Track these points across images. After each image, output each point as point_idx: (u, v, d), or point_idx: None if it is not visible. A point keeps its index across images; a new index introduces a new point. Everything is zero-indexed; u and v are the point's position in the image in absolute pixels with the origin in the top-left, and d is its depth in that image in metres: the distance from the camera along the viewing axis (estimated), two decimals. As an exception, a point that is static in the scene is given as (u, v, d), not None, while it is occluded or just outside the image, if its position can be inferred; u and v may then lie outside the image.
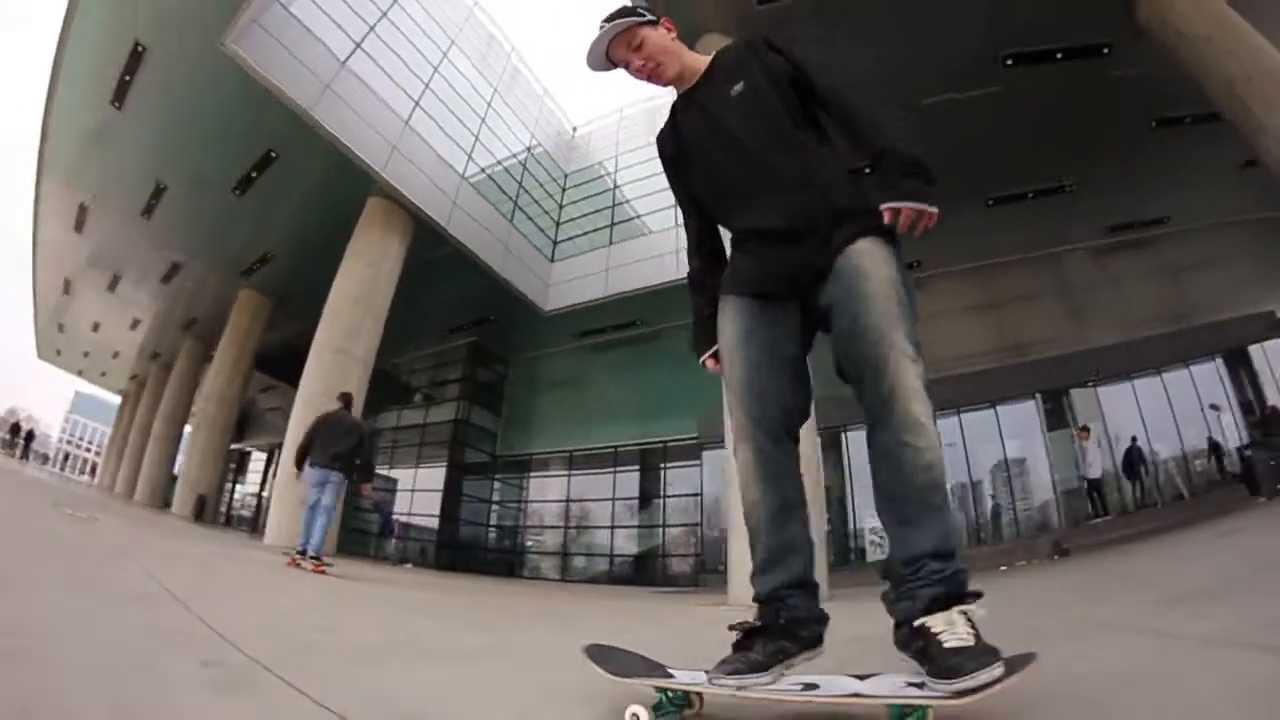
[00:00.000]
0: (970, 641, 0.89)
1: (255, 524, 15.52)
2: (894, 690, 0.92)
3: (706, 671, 1.10)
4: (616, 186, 14.29)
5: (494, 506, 14.85)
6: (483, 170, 12.40)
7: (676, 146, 1.42)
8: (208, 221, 12.26)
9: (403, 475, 14.88)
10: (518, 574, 13.37)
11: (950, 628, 0.91)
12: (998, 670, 0.84)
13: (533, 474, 14.74)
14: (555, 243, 14.40)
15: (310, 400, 8.42)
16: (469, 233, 11.50)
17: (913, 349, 1.06)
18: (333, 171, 9.87)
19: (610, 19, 1.37)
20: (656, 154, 1.46)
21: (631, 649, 1.33)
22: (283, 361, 14.62)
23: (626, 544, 13.17)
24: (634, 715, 1.04)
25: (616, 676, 1.14)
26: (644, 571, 12.53)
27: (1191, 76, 7.11)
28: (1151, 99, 8.89)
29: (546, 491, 14.49)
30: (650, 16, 1.40)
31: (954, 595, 0.95)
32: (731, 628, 1.15)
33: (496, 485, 15.00)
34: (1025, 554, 7.18)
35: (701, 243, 1.45)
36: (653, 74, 1.39)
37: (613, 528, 13.21)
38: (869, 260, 1.12)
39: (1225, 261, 10.73)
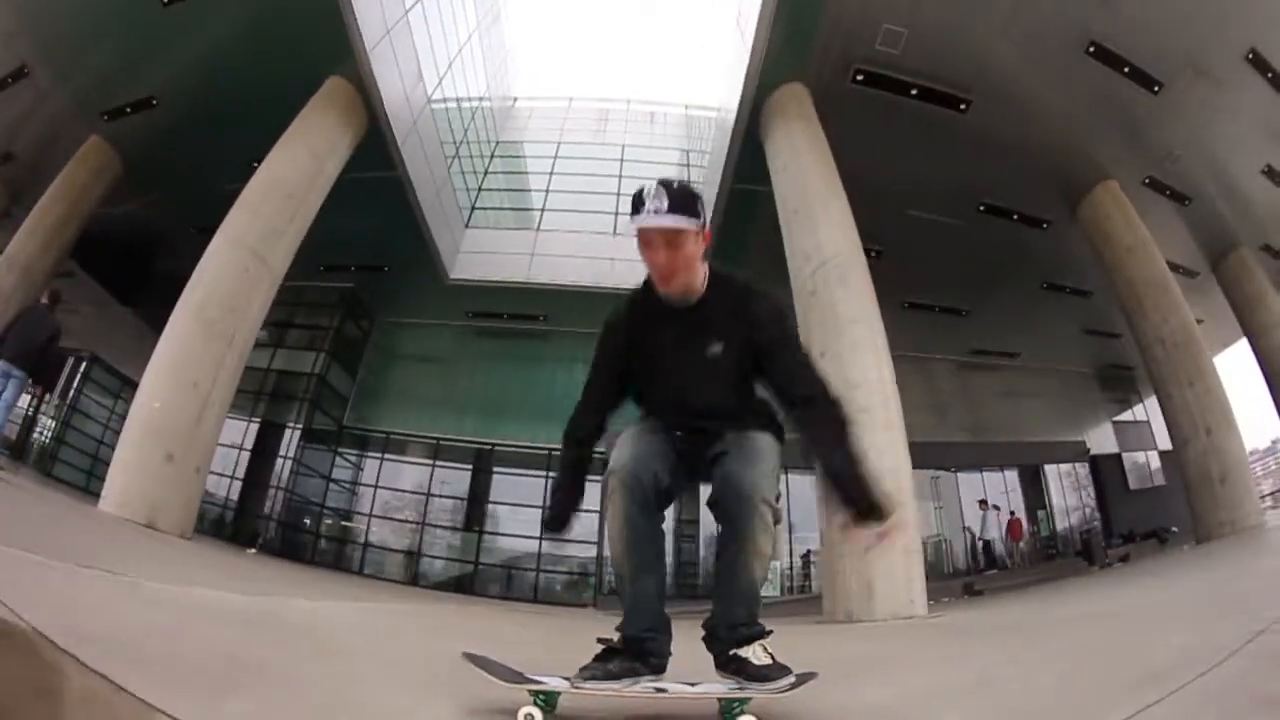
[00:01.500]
0: (769, 661, 1.38)
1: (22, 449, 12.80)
2: (725, 689, 1.39)
3: (569, 678, 1.41)
4: (554, 174, 13.72)
5: (331, 484, 13.28)
6: (443, 101, 11.14)
7: (638, 336, 1.60)
8: (87, 19, 9.07)
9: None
10: (349, 568, 12.21)
11: (755, 655, 1.38)
12: (791, 679, 1.36)
13: (388, 455, 13.52)
14: (473, 209, 13.48)
15: (202, 307, 7.11)
16: (415, 163, 10.48)
17: (771, 497, 1.44)
18: (295, 21, 8.27)
19: (675, 201, 1.42)
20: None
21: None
22: (106, 254, 12.56)
23: (495, 552, 12.83)
24: (528, 715, 1.26)
25: (501, 680, 1.38)
26: (512, 584, 12.38)
27: (1092, 264, 9.66)
28: (1049, 266, 11.59)
29: (400, 479, 13.43)
30: (701, 222, 1.48)
31: (756, 636, 1.42)
32: (599, 640, 1.49)
33: (339, 461, 13.45)
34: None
35: (602, 409, 1.67)
36: (666, 273, 1.48)
37: (480, 532, 12.75)
38: (764, 445, 1.50)
39: (1051, 397, 14.33)
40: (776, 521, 1.45)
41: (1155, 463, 14.29)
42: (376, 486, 13.36)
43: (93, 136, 11.09)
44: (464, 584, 12.41)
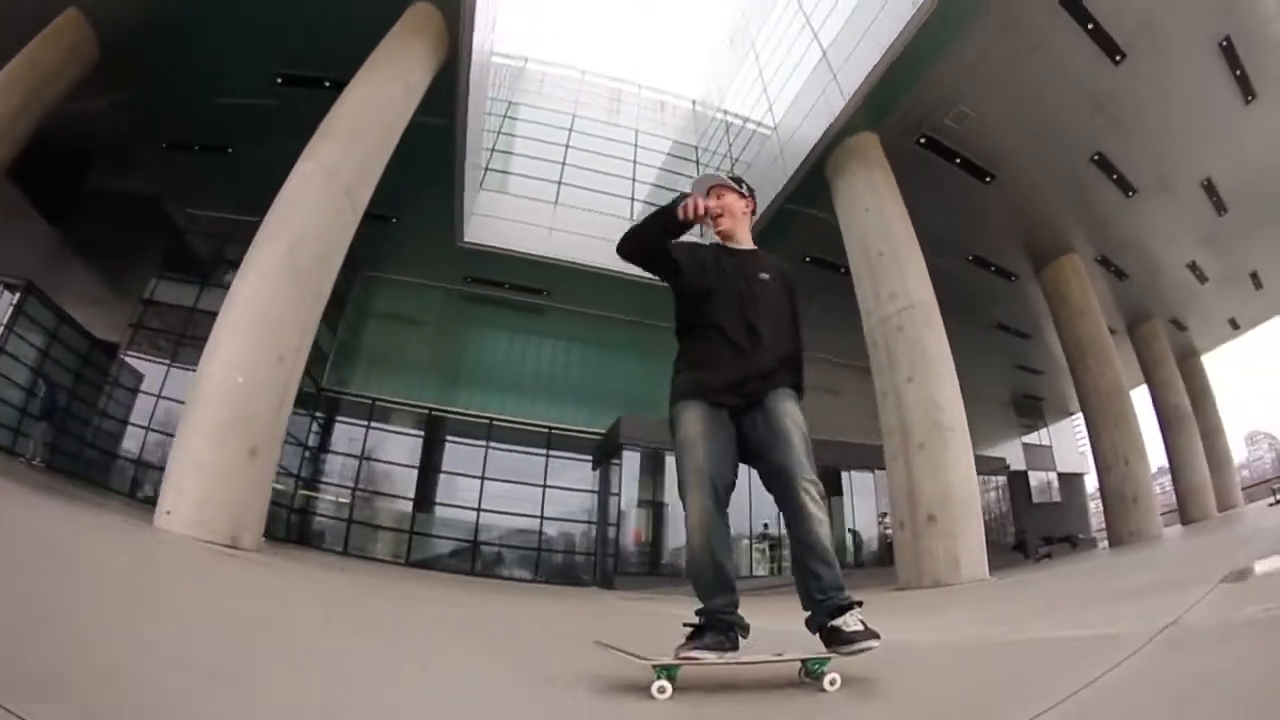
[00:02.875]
0: (860, 627, 1.71)
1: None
2: (809, 653, 1.76)
3: (680, 654, 1.74)
4: (569, 147, 14.58)
5: (306, 453, 13.19)
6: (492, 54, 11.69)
7: (714, 261, 2.16)
8: None
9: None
10: (334, 548, 12.39)
11: (846, 623, 1.73)
12: (876, 642, 1.70)
13: (374, 424, 13.68)
14: (485, 170, 13.98)
15: (294, 253, 6.50)
16: (473, 113, 11.04)
17: (812, 469, 1.88)
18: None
19: (724, 178, 2.29)
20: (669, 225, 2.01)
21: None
22: (38, 158, 11.13)
23: (495, 530, 13.57)
24: (661, 688, 1.58)
25: (636, 658, 1.71)
26: (522, 564, 13.26)
27: (1039, 314, 12.76)
28: (1005, 311, 14.66)
29: (387, 451, 13.67)
30: (744, 190, 2.29)
31: (848, 606, 1.76)
32: (685, 625, 1.88)
33: (316, 428, 13.38)
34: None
35: (660, 243, 2.10)
36: (717, 217, 2.18)
37: (479, 510, 13.42)
38: (794, 413, 1.98)
39: (981, 421, 17.77)
40: (821, 495, 1.86)
41: (1055, 482, 18.41)
42: (363, 458, 13.43)
43: (70, 9, 10.08)
44: (457, 562, 13.03)
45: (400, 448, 13.79)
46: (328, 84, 10.22)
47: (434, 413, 13.85)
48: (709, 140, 16.51)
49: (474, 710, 1.56)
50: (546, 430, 14.07)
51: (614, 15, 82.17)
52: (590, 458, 14.30)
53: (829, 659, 1.70)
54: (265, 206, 14.68)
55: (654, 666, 1.63)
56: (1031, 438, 19.07)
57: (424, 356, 14.17)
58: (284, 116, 11.03)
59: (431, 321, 14.34)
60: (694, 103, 17.87)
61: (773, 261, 2.27)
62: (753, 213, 2.32)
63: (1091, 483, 18.22)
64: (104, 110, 11.70)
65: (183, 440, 5.62)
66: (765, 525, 13.67)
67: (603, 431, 13.67)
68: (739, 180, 2.33)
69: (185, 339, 13.60)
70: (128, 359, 13.81)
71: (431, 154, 11.19)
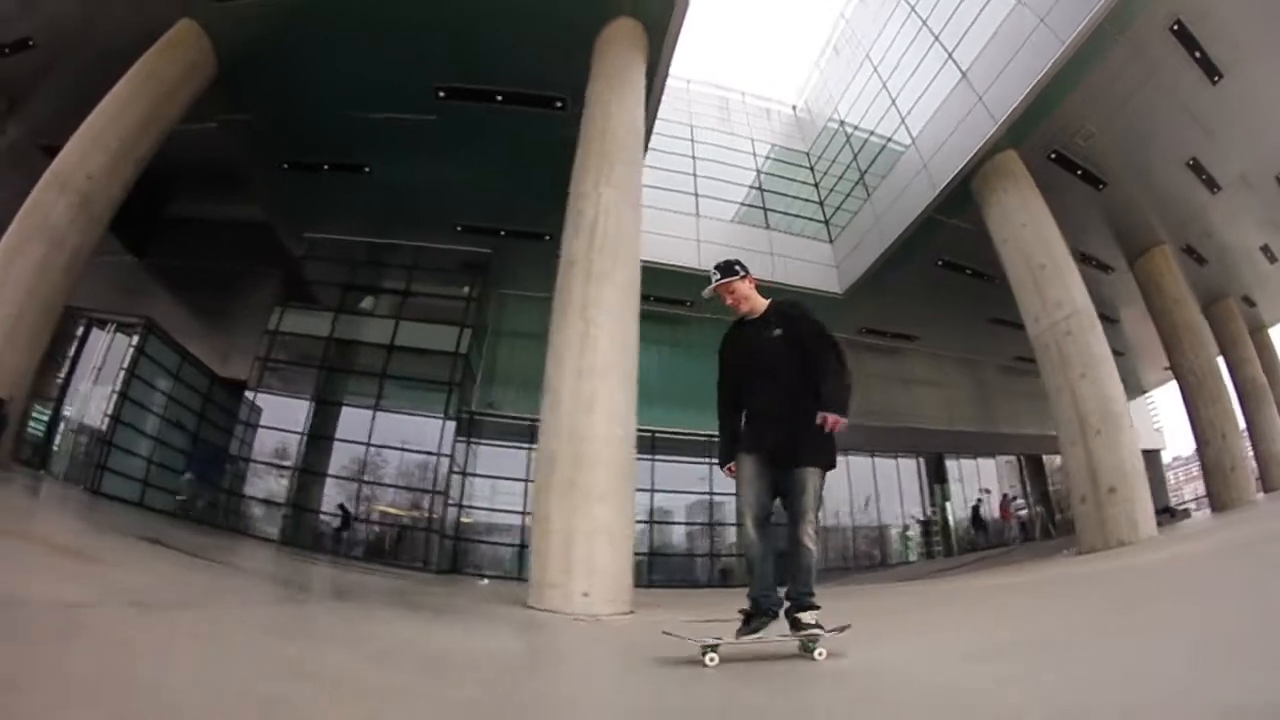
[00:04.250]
0: (814, 624, 2.84)
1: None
2: (799, 635, 2.89)
3: (734, 635, 2.94)
4: (695, 158, 16.38)
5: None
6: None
7: (732, 349, 3.31)
8: None
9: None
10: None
11: (806, 618, 2.86)
12: (827, 632, 2.85)
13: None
14: None
15: (630, 278, 7.70)
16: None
17: (813, 517, 2.96)
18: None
19: (724, 271, 3.24)
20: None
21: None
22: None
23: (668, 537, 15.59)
24: (708, 653, 2.74)
25: (693, 640, 2.89)
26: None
27: (1126, 302, 15.27)
28: (1099, 300, 16.97)
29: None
30: (743, 273, 3.25)
31: (811, 606, 2.90)
32: (740, 611, 3.08)
33: (484, 451, 15.06)
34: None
35: (734, 401, 3.28)
36: (735, 306, 3.24)
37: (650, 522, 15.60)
38: (810, 480, 2.99)
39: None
40: (816, 532, 2.97)
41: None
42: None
43: (184, 19, 10.39)
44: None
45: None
46: (500, 98, 11.63)
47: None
48: (816, 145, 18.59)
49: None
50: (705, 438, 15.90)
51: (705, 23, 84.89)
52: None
53: (819, 637, 2.80)
54: (400, 228, 15.86)
55: (704, 646, 2.77)
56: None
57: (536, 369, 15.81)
58: (444, 131, 12.32)
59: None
60: (794, 108, 19.67)
61: (780, 311, 3.24)
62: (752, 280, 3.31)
63: (1166, 456, 20.97)
64: (210, 133, 12.37)
65: (576, 507, 6.19)
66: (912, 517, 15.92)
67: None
68: (735, 264, 3.27)
69: (325, 369, 14.49)
70: (262, 395, 14.43)
71: None
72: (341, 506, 13.64)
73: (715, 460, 13.43)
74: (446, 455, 13.81)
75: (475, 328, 14.80)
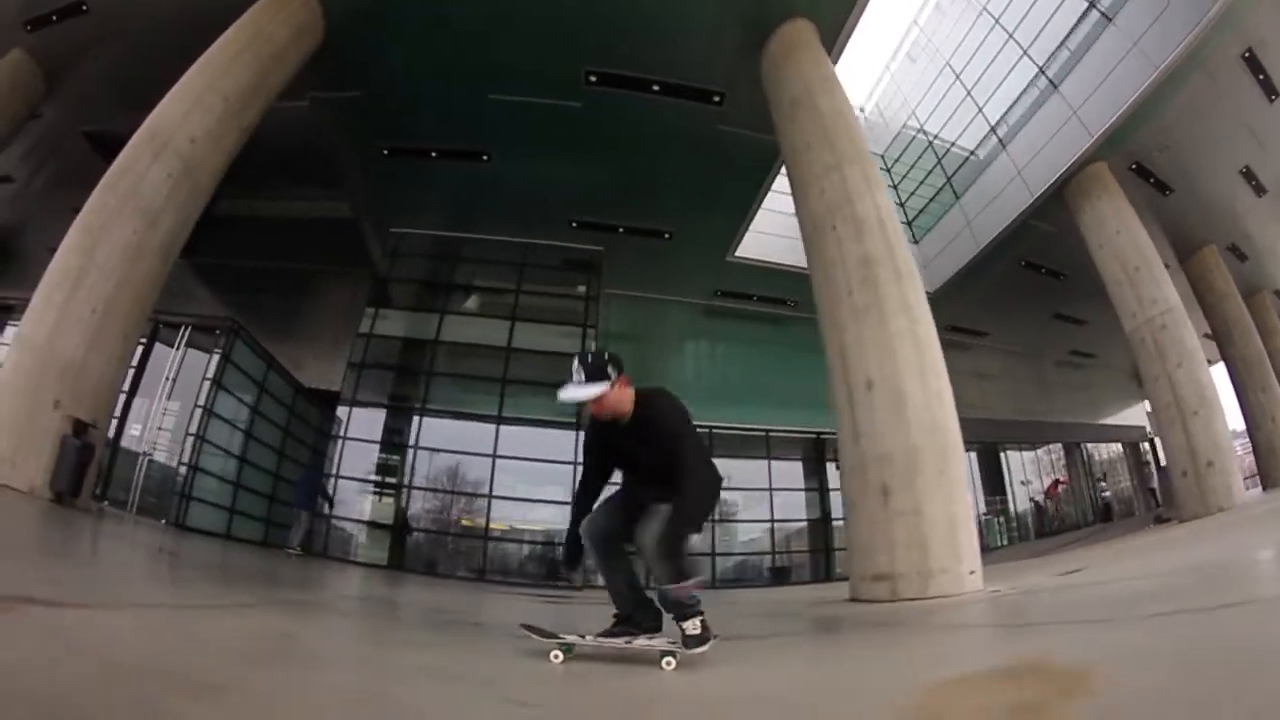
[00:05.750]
0: (699, 632, 3.05)
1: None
2: (662, 644, 3.11)
3: (586, 635, 3.20)
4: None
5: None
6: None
7: (603, 441, 3.44)
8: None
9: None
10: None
11: (690, 627, 3.04)
12: (706, 648, 3.05)
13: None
14: None
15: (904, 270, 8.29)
16: None
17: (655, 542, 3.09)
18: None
19: (591, 374, 3.15)
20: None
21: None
22: None
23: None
24: (555, 655, 3.04)
25: (541, 637, 3.23)
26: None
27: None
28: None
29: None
30: (610, 381, 3.18)
31: (689, 615, 3.05)
32: (614, 615, 3.38)
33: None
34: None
35: (593, 488, 3.54)
36: (597, 411, 3.23)
37: (773, 523, 17.55)
38: (659, 512, 3.15)
39: (1109, 391, 22.91)
40: (665, 557, 3.03)
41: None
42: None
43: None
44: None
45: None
46: (656, 88, 12.16)
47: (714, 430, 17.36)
48: (892, 149, 21.01)
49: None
50: (815, 435, 18.08)
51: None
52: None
53: (674, 651, 2.97)
54: (506, 222, 16.24)
55: (558, 644, 3.07)
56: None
57: (670, 372, 17.59)
58: (585, 120, 12.82)
59: (672, 337, 17.86)
60: (862, 110, 21.63)
61: (645, 414, 3.30)
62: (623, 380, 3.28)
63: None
64: (297, 113, 12.05)
65: (950, 494, 7.23)
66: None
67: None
68: (605, 367, 3.19)
69: (430, 375, 14.72)
70: (359, 408, 14.42)
71: (749, 166, 13.96)
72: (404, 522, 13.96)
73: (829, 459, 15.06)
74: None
75: (595, 328, 15.93)
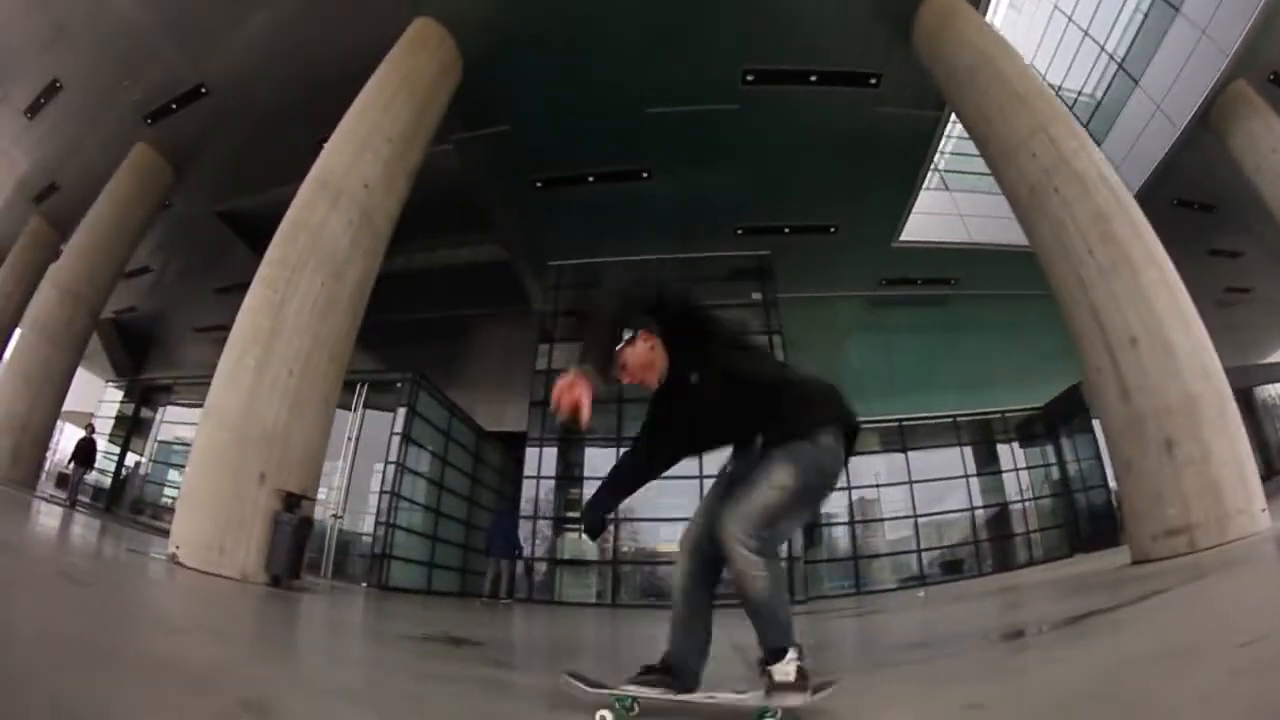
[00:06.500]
0: (793, 678, 2.10)
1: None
2: (757, 700, 2.16)
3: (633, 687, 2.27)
4: None
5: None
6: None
7: (668, 408, 2.42)
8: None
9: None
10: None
11: (780, 672, 2.11)
12: (805, 696, 2.09)
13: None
14: None
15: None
16: None
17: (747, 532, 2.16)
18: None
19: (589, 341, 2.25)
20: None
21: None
22: None
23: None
24: (602, 717, 2.16)
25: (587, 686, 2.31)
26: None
27: None
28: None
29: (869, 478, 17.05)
30: (628, 337, 2.28)
31: (779, 655, 2.13)
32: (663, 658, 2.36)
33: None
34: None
35: (649, 453, 2.57)
36: (643, 385, 2.39)
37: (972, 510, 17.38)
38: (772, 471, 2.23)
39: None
40: (759, 553, 2.11)
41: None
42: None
43: (418, 18, 10.15)
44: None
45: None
46: (814, 78, 11.87)
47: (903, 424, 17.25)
48: None
49: None
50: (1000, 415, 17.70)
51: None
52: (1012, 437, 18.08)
53: (770, 709, 2.12)
54: (664, 239, 16.10)
55: (613, 696, 2.24)
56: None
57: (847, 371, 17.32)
58: (744, 121, 12.66)
59: (841, 333, 17.44)
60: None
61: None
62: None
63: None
64: (440, 158, 11.75)
65: (1233, 437, 7.32)
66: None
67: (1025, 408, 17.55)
68: (620, 322, 2.30)
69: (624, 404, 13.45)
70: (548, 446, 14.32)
71: (909, 144, 13.51)
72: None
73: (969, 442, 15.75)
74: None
75: (781, 334, 15.15)
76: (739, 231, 15.72)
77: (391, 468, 12.69)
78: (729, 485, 2.35)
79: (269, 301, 8.10)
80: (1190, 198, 16.40)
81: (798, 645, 2.13)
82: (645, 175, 14.00)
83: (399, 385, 13.24)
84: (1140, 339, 7.85)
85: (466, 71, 10.75)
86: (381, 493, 12.65)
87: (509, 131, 12.48)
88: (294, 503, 7.55)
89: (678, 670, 2.29)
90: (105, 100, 13.52)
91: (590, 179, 13.92)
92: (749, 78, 11.96)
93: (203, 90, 12.83)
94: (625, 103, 12.10)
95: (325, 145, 9.11)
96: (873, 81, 12.21)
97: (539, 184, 13.94)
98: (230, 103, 12.85)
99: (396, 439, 12.87)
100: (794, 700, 2.07)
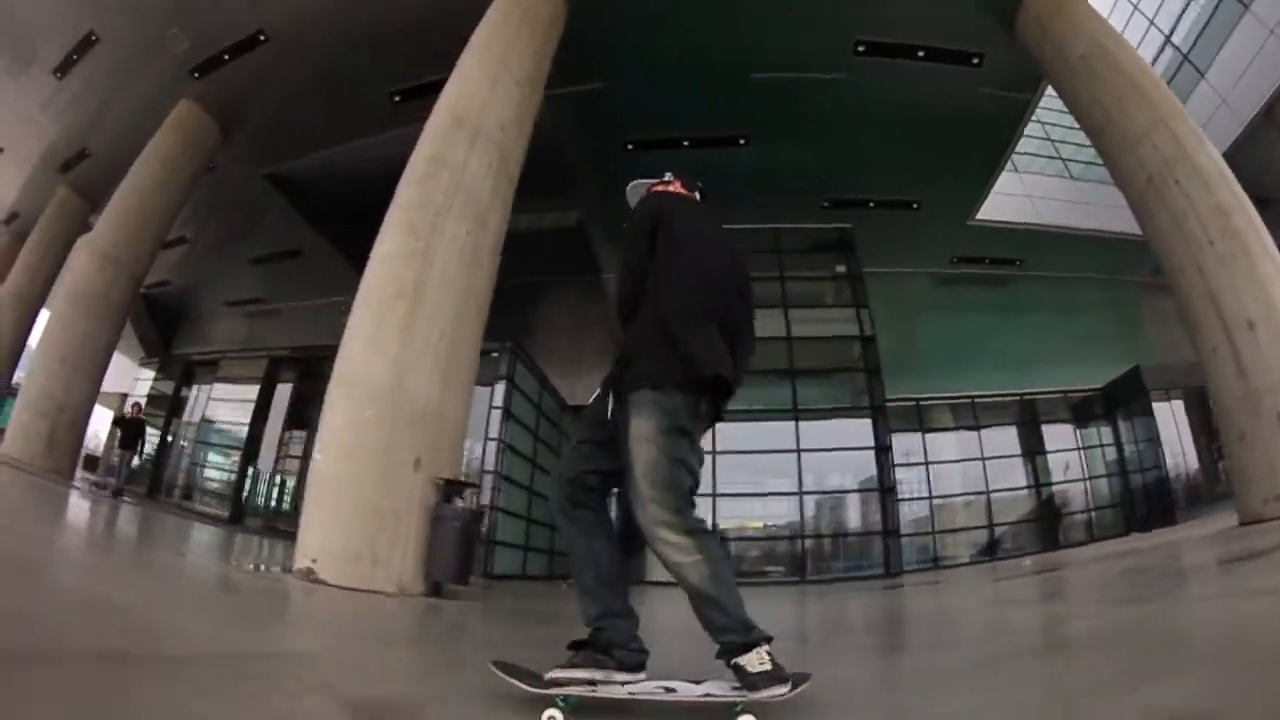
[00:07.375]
0: (767, 668, 1.88)
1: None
2: (724, 693, 1.94)
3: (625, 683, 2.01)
4: None
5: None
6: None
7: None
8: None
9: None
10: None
11: (751, 663, 1.89)
12: (783, 689, 1.86)
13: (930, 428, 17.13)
14: None
15: None
16: None
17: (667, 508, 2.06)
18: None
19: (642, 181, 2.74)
20: None
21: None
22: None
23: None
24: (550, 717, 1.86)
25: (530, 687, 1.95)
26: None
27: None
28: None
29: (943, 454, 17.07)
30: (668, 177, 2.82)
31: (750, 645, 1.92)
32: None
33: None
34: None
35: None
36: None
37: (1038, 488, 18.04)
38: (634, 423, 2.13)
39: None
40: (686, 531, 2.01)
41: None
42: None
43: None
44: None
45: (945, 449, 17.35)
46: (922, 54, 12.04)
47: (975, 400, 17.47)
48: None
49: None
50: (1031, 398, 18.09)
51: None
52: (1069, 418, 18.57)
53: (742, 703, 1.87)
54: (754, 208, 15.67)
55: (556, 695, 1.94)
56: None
57: (921, 344, 17.25)
58: (847, 92, 12.64)
59: (916, 308, 17.28)
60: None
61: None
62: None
63: None
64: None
65: None
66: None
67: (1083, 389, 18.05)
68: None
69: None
70: None
71: (999, 126, 13.70)
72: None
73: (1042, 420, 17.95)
74: (885, 448, 14.32)
75: (868, 308, 15.22)
76: (825, 204, 15.73)
77: (493, 445, 11.87)
78: (590, 427, 2.29)
79: (413, 250, 6.98)
80: (1249, 192, 17.54)
81: (766, 635, 1.95)
82: (743, 142, 13.86)
83: (495, 355, 11.95)
84: (1257, 323, 8.63)
85: (569, 22, 10.30)
86: (483, 473, 11.65)
87: (599, 89, 12.33)
88: (456, 491, 6.57)
89: (603, 642, 2.06)
90: (146, 54, 12.63)
91: (685, 143, 13.70)
92: (860, 48, 12.04)
93: (262, 37, 11.77)
94: (731, 66, 11.99)
95: (452, 77, 8.30)
96: (975, 61, 12.44)
97: (629, 145, 13.70)
98: (290, 52, 11.96)
99: (497, 414, 12.06)
100: (775, 693, 1.86)
